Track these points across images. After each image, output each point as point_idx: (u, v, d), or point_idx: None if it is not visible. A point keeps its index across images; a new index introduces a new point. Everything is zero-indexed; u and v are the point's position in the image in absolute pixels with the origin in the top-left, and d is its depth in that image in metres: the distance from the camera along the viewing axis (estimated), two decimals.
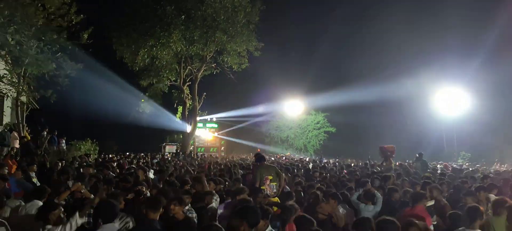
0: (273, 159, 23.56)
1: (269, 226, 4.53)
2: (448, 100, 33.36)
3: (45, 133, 18.14)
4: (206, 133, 38.04)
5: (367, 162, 19.94)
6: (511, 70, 28.91)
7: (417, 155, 16.38)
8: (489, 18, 30.91)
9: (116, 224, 4.64)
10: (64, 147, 19.75)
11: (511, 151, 27.17)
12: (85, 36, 12.49)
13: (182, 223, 4.85)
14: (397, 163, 19.31)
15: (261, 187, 7.53)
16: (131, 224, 4.87)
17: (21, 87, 12.31)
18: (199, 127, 34.95)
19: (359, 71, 41.93)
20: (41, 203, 5.33)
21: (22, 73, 12.19)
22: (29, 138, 17.02)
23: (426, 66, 35.30)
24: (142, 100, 28.75)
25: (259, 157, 8.45)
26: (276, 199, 7.16)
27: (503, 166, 20.74)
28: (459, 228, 4.85)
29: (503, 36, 30.02)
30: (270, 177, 7.80)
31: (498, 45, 30.11)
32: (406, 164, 18.94)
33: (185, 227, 4.78)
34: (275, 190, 7.65)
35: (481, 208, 5.10)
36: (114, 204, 4.55)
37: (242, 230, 3.93)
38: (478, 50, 31.02)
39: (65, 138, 20.48)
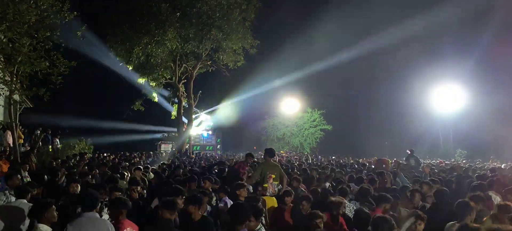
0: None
1: (261, 225, 4.51)
2: (444, 97, 33.46)
3: (39, 132, 17.97)
4: (202, 130, 37.87)
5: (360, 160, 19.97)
6: (507, 68, 29.06)
7: (409, 152, 16.35)
8: (485, 15, 31.01)
9: (104, 214, 5.10)
10: (58, 146, 19.59)
11: (507, 148, 27.28)
12: (79, 33, 12.32)
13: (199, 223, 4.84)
14: (394, 160, 19.32)
15: (264, 185, 7.48)
16: None
17: (14, 86, 12.12)
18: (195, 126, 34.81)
19: (356, 69, 41.98)
20: (25, 201, 5.34)
21: (14, 72, 11.99)
22: (22, 137, 16.87)
23: (423, 64, 35.42)
24: (137, 103, 28.52)
25: (269, 152, 8.28)
26: (274, 199, 7.09)
27: (497, 162, 20.79)
28: (452, 222, 4.90)
29: (499, 33, 30.15)
30: (273, 176, 7.74)
31: (494, 43, 30.25)
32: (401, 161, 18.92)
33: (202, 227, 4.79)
34: (276, 189, 7.58)
35: (472, 203, 5.12)
36: (94, 193, 4.75)
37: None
38: (474, 48, 31.16)
39: (58, 137, 20.32)
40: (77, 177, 7.42)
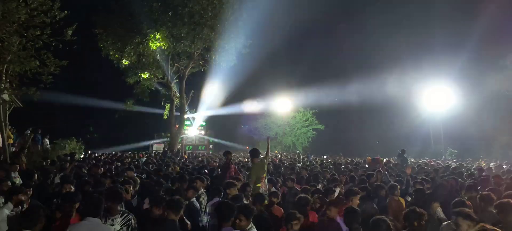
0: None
1: (252, 224, 4.50)
2: (435, 97, 33.67)
3: (29, 132, 17.79)
4: (194, 130, 37.83)
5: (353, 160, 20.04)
6: (496, 67, 29.30)
7: (400, 152, 16.57)
8: (474, 15, 31.26)
9: (118, 219, 4.75)
10: (48, 146, 19.42)
11: (497, 147, 27.58)
12: (69, 32, 12.21)
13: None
14: (385, 159, 19.44)
15: (257, 185, 7.58)
16: (133, 222, 4.88)
17: (3, 85, 12.00)
18: (187, 125, 34.71)
19: (347, 69, 42.17)
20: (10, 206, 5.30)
21: (4, 71, 11.88)
22: (12, 137, 16.69)
23: (413, 63, 35.61)
24: (128, 102, 28.37)
25: (253, 153, 8.36)
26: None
27: (486, 162, 20.94)
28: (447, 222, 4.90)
29: (490, 33, 30.37)
30: (265, 175, 8.04)
31: (484, 42, 30.48)
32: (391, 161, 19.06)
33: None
34: (267, 187, 7.75)
35: (468, 202, 5.14)
36: (100, 198, 4.48)
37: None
38: (465, 47, 31.38)
39: (48, 137, 20.14)
40: (71, 178, 7.34)
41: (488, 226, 3.42)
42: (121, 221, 4.77)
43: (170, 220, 4.41)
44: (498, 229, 3.35)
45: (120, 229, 4.74)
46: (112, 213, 4.80)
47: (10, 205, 5.34)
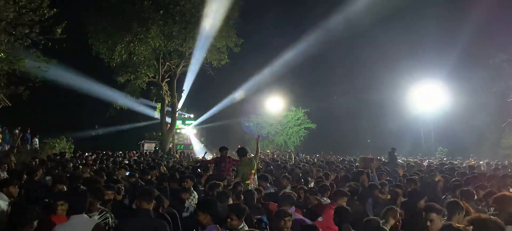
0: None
1: (244, 224, 4.48)
2: (426, 96, 33.94)
3: (17, 131, 17.57)
4: (186, 129, 37.70)
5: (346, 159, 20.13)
6: (487, 66, 29.56)
7: (390, 150, 16.75)
8: (465, 13, 31.52)
9: (95, 217, 4.69)
10: (37, 146, 19.22)
11: (486, 145, 27.90)
12: (59, 30, 12.07)
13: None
14: (377, 157, 19.55)
15: (246, 182, 7.63)
16: (110, 220, 4.85)
17: None
18: (179, 124, 34.57)
19: (338, 68, 42.34)
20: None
21: None
22: (0, 136, 16.49)
23: (404, 62, 35.87)
24: (119, 103, 28.09)
25: (241, 152, 8.51)
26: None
27: (475, 160, 21.15)
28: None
29: (479, 32, 30.64)
30: (253, 171, 8.19)
31: (475, 42, 30.74)
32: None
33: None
34: (257, 183, 7.80)
35: (461, 202, 5.17)
36: (85, 195, 4.43)
37: (206, 222, 4.42)
38: (455, 46, 31.64)
39: (37, 136, 19.91)
40: (64, 178, 7.24)
41: (483, 215, 3.44)
42: (98, 219, 4.73)
43: (142, 210, 4.37)
44: (493, 217, 3.36)
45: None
46: (91, 210, 4.77)
47: (4, 197, 5.25)
